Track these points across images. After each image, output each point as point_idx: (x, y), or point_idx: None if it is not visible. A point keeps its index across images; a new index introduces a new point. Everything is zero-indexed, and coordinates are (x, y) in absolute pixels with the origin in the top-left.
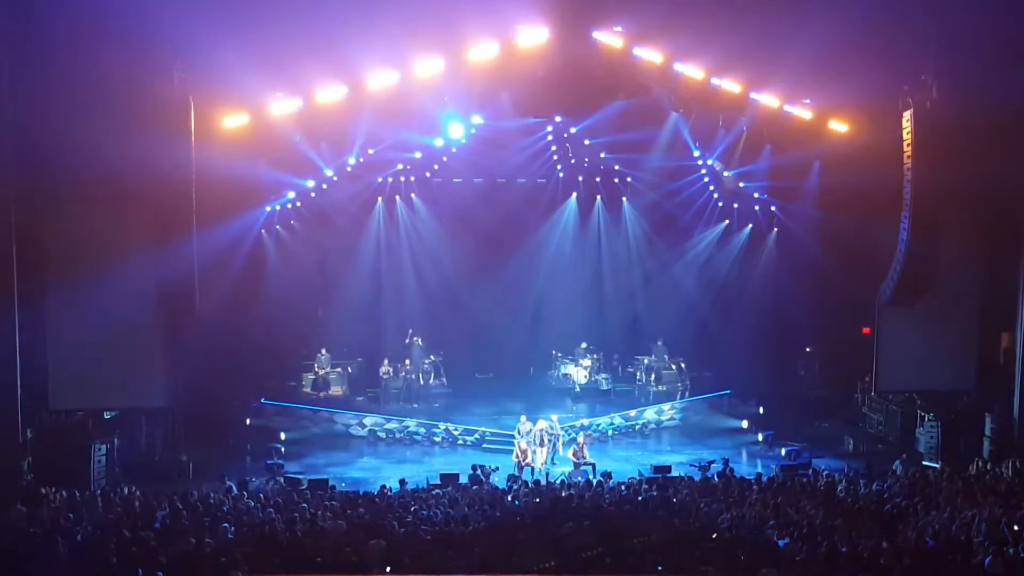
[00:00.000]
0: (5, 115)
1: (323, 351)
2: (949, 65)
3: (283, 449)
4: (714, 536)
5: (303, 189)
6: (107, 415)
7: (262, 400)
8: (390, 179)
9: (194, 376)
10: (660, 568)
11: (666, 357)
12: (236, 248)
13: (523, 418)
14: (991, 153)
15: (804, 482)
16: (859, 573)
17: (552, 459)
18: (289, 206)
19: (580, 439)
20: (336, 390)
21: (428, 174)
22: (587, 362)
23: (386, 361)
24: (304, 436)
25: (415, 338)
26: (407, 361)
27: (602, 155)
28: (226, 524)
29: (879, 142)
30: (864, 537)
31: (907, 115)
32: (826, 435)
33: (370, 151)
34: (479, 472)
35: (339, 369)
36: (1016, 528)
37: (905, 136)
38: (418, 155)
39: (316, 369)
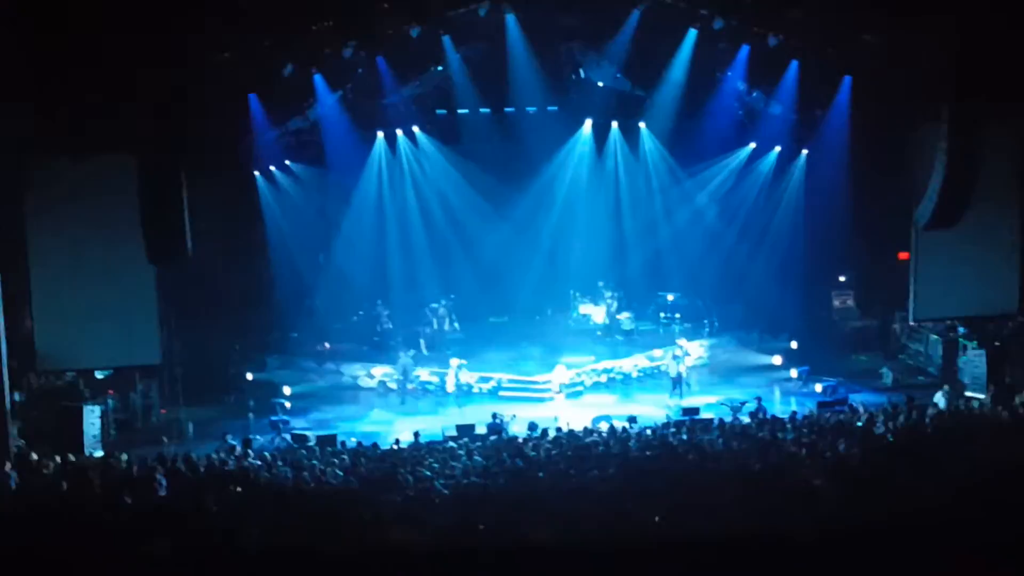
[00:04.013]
0: None
1: None
2: None
3: (288, 404)
4: (746, 478)
5: (297, 125)
6: (99, 375)
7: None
8: (390, 112)
9: (190, 330)
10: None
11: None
12: (229, 190)
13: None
14: None
15: (840, 419)
16: (898, 513)
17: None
18: (284, 143)
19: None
20: None
21: (431, 105)
22: (609, 301)
23: (386, 314)
24: (309, 390)
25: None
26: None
27: (617, 76)
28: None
29: (914, 52)
30: (905, 475)
31: (945, 23)
32: (864, 368)
33: (368, 81)
34: (498, 421)
35: None
36: None
37: (943, 45)
38: (419, 84)
39: None
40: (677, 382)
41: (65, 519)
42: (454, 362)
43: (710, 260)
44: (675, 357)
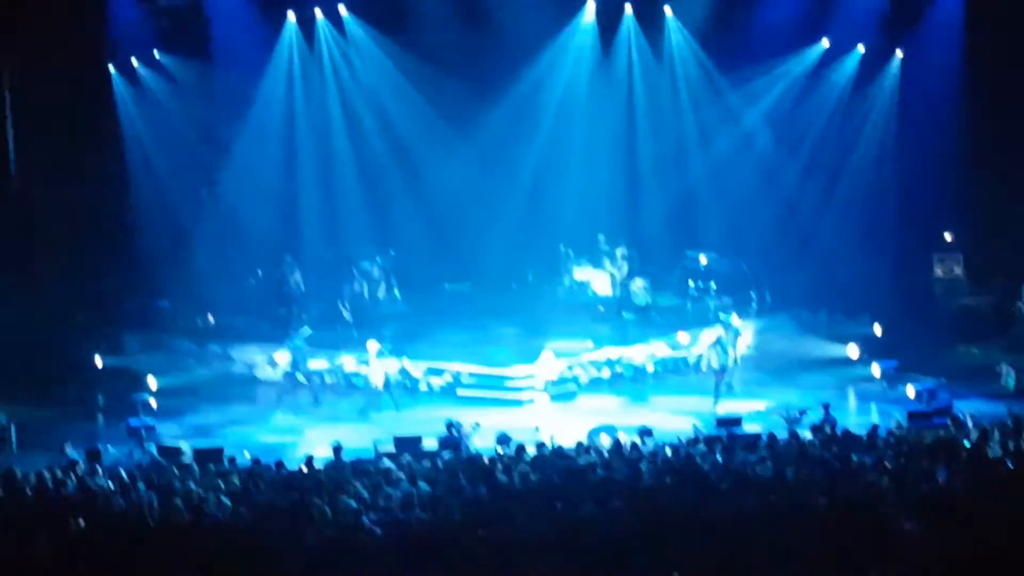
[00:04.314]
0: None
1: None
2: None
3: (153, 402)
4: (807, 518)
5: (172, 0)
6: None
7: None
8: None
9: (11, 294)
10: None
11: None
12: (71, 93)
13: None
14: None
15: (941, 436)
16: (1018, 569)
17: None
18: (151, 27)
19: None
20: None
21: None
22: (618, 262)
23: (296, 276)
24: (185, 382)
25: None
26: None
27: None
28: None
29: None
30: None
31: None
32: (975, 365)
33: None
34: (454, 432)
35: None
36: None
37: None
38: None
39: None
40: (721, 377)
41: None
42: (372, 346)
43: (762, 208)
44: (719, 342)
